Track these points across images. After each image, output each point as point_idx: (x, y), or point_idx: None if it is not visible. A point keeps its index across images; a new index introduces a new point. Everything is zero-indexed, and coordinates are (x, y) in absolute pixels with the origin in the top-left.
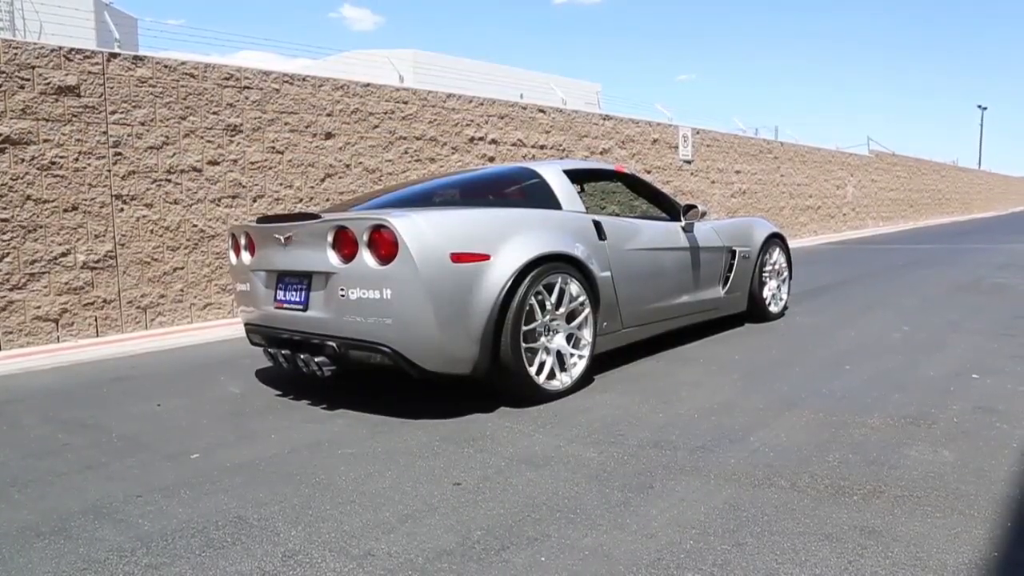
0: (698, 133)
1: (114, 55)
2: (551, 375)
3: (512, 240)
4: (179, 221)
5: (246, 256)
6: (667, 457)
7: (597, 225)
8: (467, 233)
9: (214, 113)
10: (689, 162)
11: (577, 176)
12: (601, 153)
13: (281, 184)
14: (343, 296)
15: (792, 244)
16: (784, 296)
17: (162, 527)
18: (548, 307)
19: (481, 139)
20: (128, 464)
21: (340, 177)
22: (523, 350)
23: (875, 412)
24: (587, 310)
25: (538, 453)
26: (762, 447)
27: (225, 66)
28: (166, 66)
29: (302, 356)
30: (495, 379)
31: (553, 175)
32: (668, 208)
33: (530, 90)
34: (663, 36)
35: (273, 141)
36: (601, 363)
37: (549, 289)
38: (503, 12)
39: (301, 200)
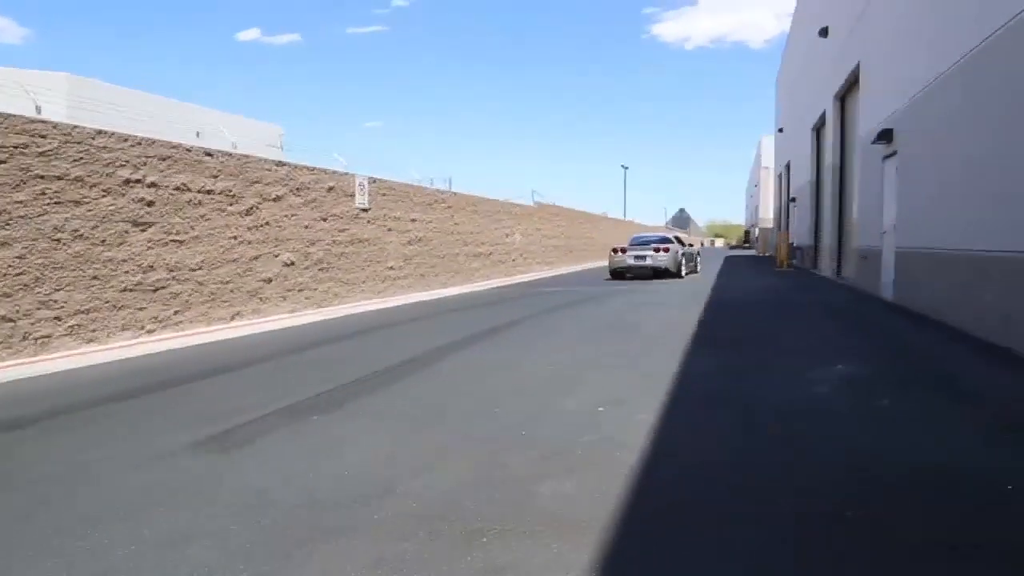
0: (374, 182)
1: None
2: (685, 273)
3: (679, 250)
4: None
5: (620, 253)
6: (315, 518)
7: (687, 245)
8: (675, 249)
9: None
10: (366, 210)
11: (674, 238)
12: (274, 200)
13: None
14: (657, 256)
15: (466, 289)
16: (698, 270)
17: None
18: (682, 259)
19: (138, 182)
20: None
21: None
22: (681, 268)
23: (517, 451)
24: (686, 261)
25: (181, 529)
26: (408, 497)
27: None
28: None
29: (641, 272)
30: (678, 274)
31: (674, 238)
32: (681, 241)
33: (206, 128)
34: (352, 82)
35: None
36: (255, 430)
37: (684, 256)
38: (181, 43)
39: None
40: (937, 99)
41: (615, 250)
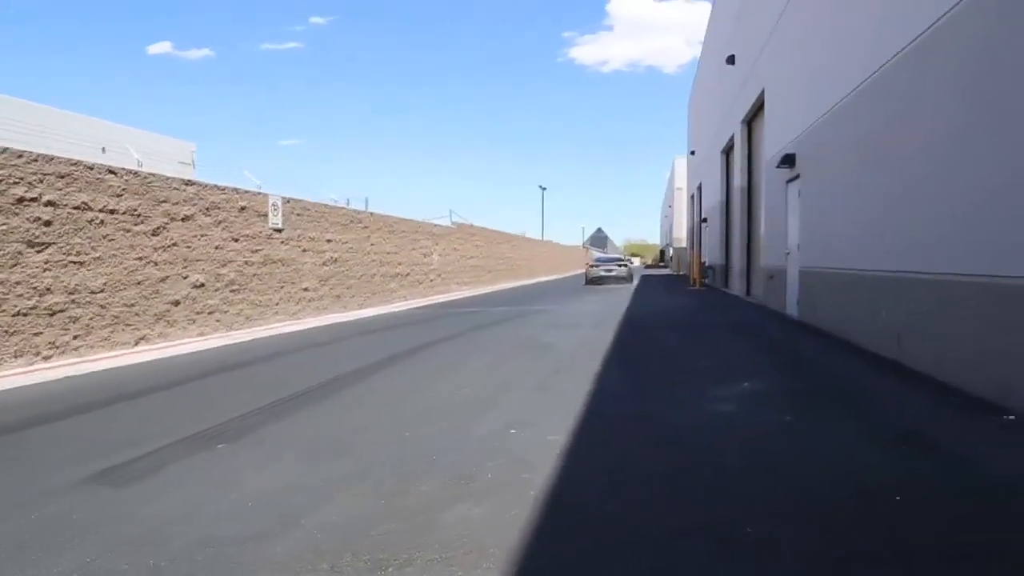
0: (288, 202)
1: None
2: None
3: (635, 265)
4: None
5: (593, 267)
6: (214, 555)
7: (631, 263)
8: (629, 265)
9: None
10: (280, 230)
11: (626, 258)
12: (183, 220)
13: None
14: (619, 268)
15: (383, 310)
16: (635, 279)
17: None
18: (632, 271)
19: (34, 200)
20: None
21: None
22: (632, 277)
23: (426, 477)
24: (630, 272)
25: (65, 574)
26: (313, 529)
27: None
28: None
29: (610, 280)
30: (630, 280)
31: (629, 259)
32: (628, 259)
33: (113, 145)
34: (268, 99)
35: None
36: (154, 461)
37: (632, 270)
38: (91, 56)
39: None
40: (829, 129)
41: (590, 265)
